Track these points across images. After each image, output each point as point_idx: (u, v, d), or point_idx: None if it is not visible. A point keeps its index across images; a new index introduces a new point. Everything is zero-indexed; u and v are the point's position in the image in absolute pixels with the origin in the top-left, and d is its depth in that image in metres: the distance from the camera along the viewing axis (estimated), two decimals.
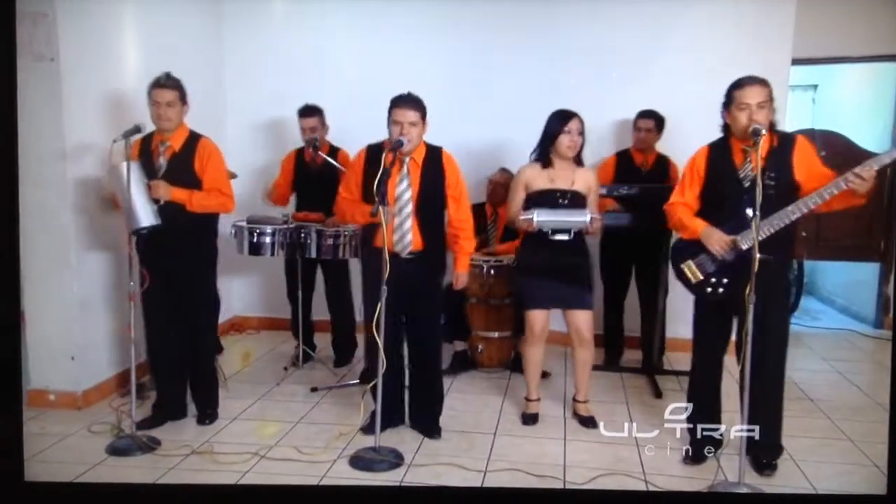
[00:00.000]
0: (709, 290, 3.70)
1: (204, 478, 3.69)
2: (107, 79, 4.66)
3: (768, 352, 3.63)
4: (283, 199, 5.61)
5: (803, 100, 8.35)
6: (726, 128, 3.65)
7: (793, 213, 3.44)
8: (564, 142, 4.21)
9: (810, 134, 6.21)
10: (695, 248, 3.70)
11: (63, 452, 3.97)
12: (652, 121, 5.46)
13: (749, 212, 3.39)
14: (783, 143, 3.59)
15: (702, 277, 3.70)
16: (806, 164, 3.54)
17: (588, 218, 4.12)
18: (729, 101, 3.59)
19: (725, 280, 3.63)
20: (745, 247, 3.48)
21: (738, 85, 3.56)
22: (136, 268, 3.98)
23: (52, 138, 4.36)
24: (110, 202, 4.17)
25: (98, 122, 4.58)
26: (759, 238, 3.40)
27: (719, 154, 3.69)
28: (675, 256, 3.83)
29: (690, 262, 3.73)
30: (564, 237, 4.18)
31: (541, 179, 4.28)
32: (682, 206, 3.81)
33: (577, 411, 4.49)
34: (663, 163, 5.56)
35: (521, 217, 4.18)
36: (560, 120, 4.24)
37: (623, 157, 5.61)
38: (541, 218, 4.12)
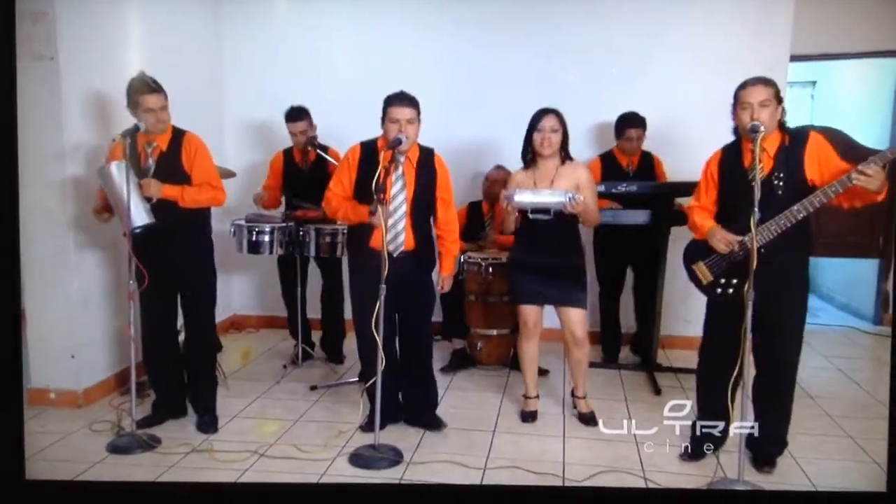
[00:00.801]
0: (719, 290, 3.69)
1: (204, 476, 3.70)
2: (106, 78, 4.65)
3: (783, 350, 3.65)
4: (274, 202, 5.58)
5: (802, 96, 8.34)
6: (737, 129, 3.65)
7: (799, 212, 3.42)
8: (537, 140, 4.22)
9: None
10: (706, 248, 3.70)
11: (64, 451, 3.98)
12: (642, 129, 5.40)
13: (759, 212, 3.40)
14: (795, 141, 3.55)
15: (712, 278, 3.70)
16: (817, 161, 3.50)
17: (566, 198, 4.04)
18: (734, 102, 3.58)
19: (735, 280, 3.62)
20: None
21: (742, 85, 3.55)
22: (134, 267, 3.98)
23: (52, 137, 4.37)
24: (102, 211, 4.15)
25: (98, 122, 4.59)
26: (768, 238, 3.44)
27: (731, 156, 3.68)
28: (688, 257, 3.83)
29: (701, 263, 3.73)
30: (543, 217, 4.13)
31: (527, 182, 4.27)
32: (699, 208, 3.81)
33: (577, 407, 4.49)
34: (649, 161, 5.54)
35: (503, 196, 4.16)
36: (534, 119, 4.25)
37: (607, 160, 5.56)
38: (519, 198, 4.10)
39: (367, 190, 3.82)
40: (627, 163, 5.51)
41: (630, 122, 5.41)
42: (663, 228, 5.16)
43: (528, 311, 4.38)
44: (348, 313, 5.10)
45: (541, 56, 6.00)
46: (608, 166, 5.50)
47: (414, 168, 4.05)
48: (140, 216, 3.91)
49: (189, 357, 4.40)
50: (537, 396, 4.56)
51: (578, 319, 4.32)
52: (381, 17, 6.21)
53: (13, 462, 3.45)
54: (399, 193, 4.01)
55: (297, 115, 5.30)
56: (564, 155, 4.29)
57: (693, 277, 3.80)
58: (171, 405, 4.39)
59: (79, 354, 4.59)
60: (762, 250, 3.43)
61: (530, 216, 4.16)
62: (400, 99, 3.93)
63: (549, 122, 4.20)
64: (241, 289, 6.73)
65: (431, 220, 4.20)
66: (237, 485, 3.61)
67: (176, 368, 4.40)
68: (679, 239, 4.99)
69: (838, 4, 6.22)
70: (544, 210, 4.13)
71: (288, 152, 5.49)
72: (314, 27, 6.34)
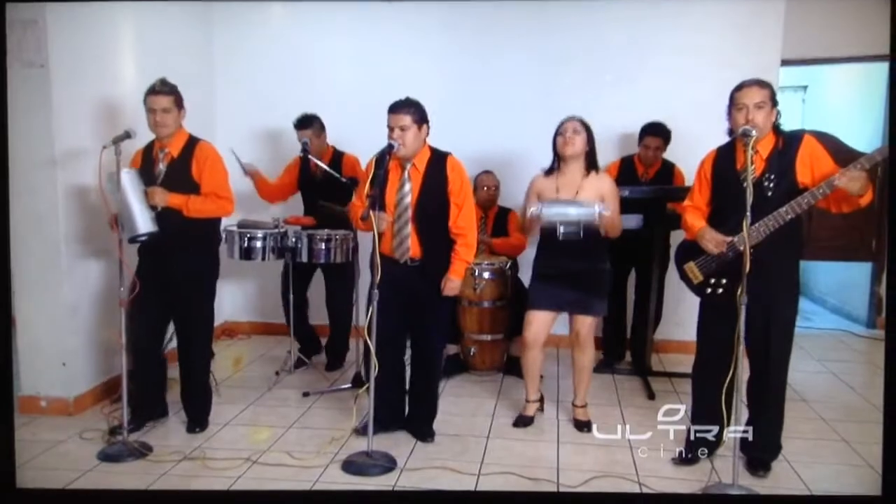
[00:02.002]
0: (709, 290, 3.71)
1: (196, 484, 3.67)
2: (97, 85, 4.66)
3: (773, 352, 3.65)
4: (281, 196, 5.61)
5: (793, 101, 8.38)
6: (731, 131, 3.65)
7: (786, 213, 3.44)
8: (559, 143, 4.22)
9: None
10: (697, 249, 3.71)
11: (55, 459, 3.96)
12: (660, 139, 5.38)
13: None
14: (788, 144, 3.57)
15: (702, 278, 3.71)
16: (810, 164, 3.51)
17: (595, 210, 4.02)
18: (730, 103, 3.60)
19: (725, 280, 3.63)
20: (741, 248, 3.46)
21: (738, 87, 3.57)
22: (126, 274, 3.96)
23: (43, 145, 4.35)
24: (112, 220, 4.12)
25: (88, 129, 4.57)
26: (758, 240, 3.45)
27: (724, 157, 3.69)
28: (679, 257, 3.84)
29: (692, 263, 3.74)
30: (573, 235, 4.09)
31: (549, 189, 4.26)
32: (692, 208, 3.82)
33: (574, 416, 4.47)
34: (667, 171, 5.49)
35: (529, 210, 4.14)
36: (558, 126, 4.26)
37: (626, 164, 5.56)
38: (547, 211, 4.07)
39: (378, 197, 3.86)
40: (644, 172, 5.50)
41: (649, 131, 5.40)
42: (656, 233, 5.15)
43: (535, 319, 4.32)
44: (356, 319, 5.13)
45: (534, 62, 6.02)
46: (624, 171, 5.50)
47: (420, 173, 4.02)
48: (144, 224, 3.92)
49: (184, 367, 4.38)
50: (537, 401, 4.54)
51: (586, 324, 4.30)
52: (376, 23, 6.22)
53: (4, 470, 3.44)
54: (403, 199, 4.00)
55: (301, 123, 5.30)
56: (590, 165, 4.27)
57: (684, 277, 3.82)
58: (151, 408, 4.37)
59: (69, 362, 4.57)
60: (751, 251, 3.43)
61: (561, 234, 4.10)
62: (395, 106, 3.92)
63: (570, 125, 4.20)
64: (232, 295, 6.69)
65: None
66: (229, 492, 3.59)
67: (158, 374, 4.40)
68: (672, 244, 5.01)
69: (828, 8, 6.25)
70: (573, 224, 4.09)
71: (304, 160, 5.47)
72: (307, 34, 6.35)
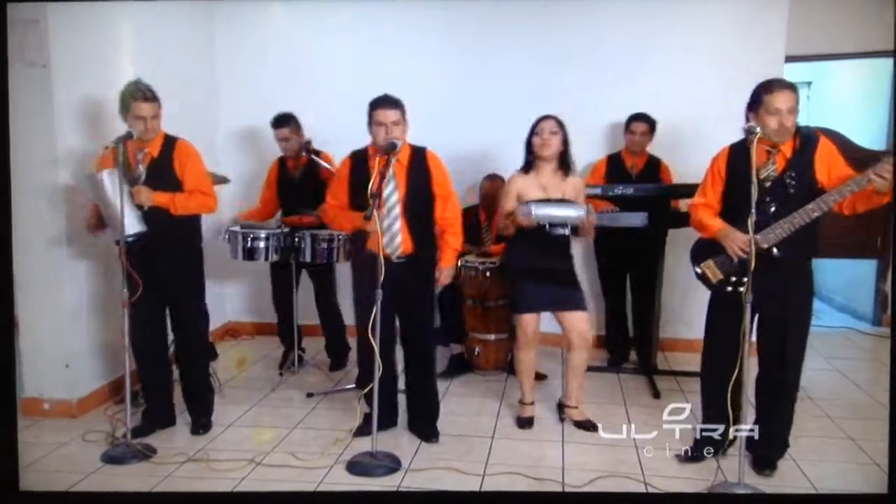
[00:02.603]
0: (729, 289, 3.68)
1: (200, 485, 3.66)
2: (99, 85, 4.63)
3: (789, 351, 3.64)
4: (271, 213, 5.55)
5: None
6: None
7: (813, 210, 3.41)
8: (536, 143, 4.22)
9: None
10: (714, 247, 3.69)
11: (58, 461, 3.95)
12: (645, 124, 5.43)
13: (772, 210, 3.47)
14: (806, 144, 3.55)
15: (721, 277, 3.69)
16: (827, 164, 3.50)
17: (584, 212, 4.06)
18: (757, 104, 3.53)
19: (746, 279, 3.59)
20: (764, 246, 3.46)
21: (769, 89, 3.49)
22: (127, 275, 3.95)
23: (44, 145, 4.35)
24: (96, 226, 4.13)
25: (90, 129, 4.56)
26: (781, 237, 3.46)
27: (740, 155, 3.62)
28: (695, 257, 3.81)
29: (710, 262, 3.72)
30: (564, 232, 4.13)
31: (533, 188, 4.24)
32: (704, 206, 3.79)
33: (570, 417, 4.44)
34: (654, 165, 5.54)
35: (521, 210, 4.10)
36: (533, 125, 4.26)
37: (614, 160, 5.59)
38: (539, 211, 4.04)
39: (361, 197, 3.82)
40: (632, 164, 5.52)
41: (635, 116, 5.45)
42: (660, 231, 5.14)
43: (530, 321, 4.32)
44: (349, 318, 5.10)
45: (534, 62, 5.99)
46: (613, 166, 5.53)
47: (405, 169, 4.02)
48: (132, 225, 3.90)
49: (183, 366, 4.38)
50: (533, 403, 4.52)
51: (585, 320, 4.29)
52: (376, 23, 6.21)
53: (7, 473, 3.43)
54: (391, 195, 3.98)
55: (279, 121, 5.29)
56: (564, 165, 4.27)
57: (701, 277, 3.78)
58: (160, 416, 4.36)
59: (72, 364, 4.56)
60: (775, 249, 3.44)
61: (551, 231, 4.11)
62: (384, 102, 3.93)
63: (547, 125, 4.19)
64: (235, 296, 6.71)
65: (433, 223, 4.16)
66: (233, 494, 3.58)
67: (166, 378, 4.39)
68: (675, 241, 4.99)
69: (832, 4, 6.23)
70: (562, 224, 4.11)
71: (282, 160, 5.46)
72: (308, 34, 6.33)
